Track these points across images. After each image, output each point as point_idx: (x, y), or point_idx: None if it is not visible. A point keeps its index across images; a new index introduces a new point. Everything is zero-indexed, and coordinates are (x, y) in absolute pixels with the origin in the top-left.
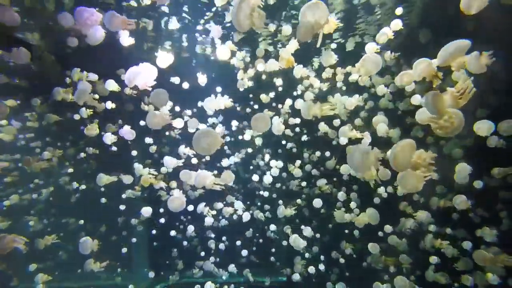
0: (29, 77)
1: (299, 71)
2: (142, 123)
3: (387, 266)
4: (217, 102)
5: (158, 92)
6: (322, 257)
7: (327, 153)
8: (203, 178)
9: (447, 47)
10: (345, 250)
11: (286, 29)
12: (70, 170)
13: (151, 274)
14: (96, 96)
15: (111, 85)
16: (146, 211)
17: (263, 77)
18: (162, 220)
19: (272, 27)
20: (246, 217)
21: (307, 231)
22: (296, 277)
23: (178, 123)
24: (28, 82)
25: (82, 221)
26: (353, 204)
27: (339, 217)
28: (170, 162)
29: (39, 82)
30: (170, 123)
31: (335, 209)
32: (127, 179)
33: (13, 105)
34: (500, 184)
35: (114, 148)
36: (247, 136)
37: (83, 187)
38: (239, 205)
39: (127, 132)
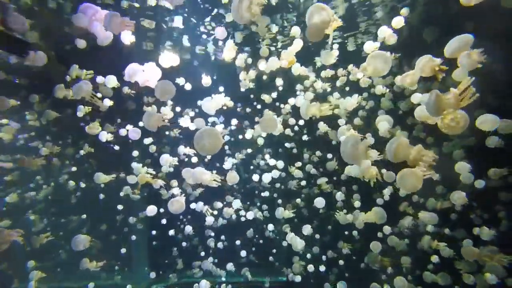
0: (29, 76)
1: (298, 70)
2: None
3: (384, 266)
4: (214, 102)
5: (163, 83)
6: (321, 257)
7: (326, 153)
8: (200, 175)
9: (452, 41)
10: (343, 250)
11: (295, 30)
12: (74, 168)
13: (152, 275)
14: (99, 95)
15: (111, 81)
16: (151, 210)
17: (265, 77)
18: (164, 221)
19: (275, 28)
20: (245, 216)
21: (306, 229)
22: (296, 277)
23: (185, 122)
24: (29, 81)
25: (82, 221)
26: (356, 204)
27: (342, 220)
28: (165, 160)
29: (39, 82)
30: (167, 124)
31: (337, 212)
32: (131, 178)
33: (13, 105)
34: (497, 185)
35: (116, 147)
36: (247, 136)
37: (83, 185)
38: (237, 203)
39: (132, 131)
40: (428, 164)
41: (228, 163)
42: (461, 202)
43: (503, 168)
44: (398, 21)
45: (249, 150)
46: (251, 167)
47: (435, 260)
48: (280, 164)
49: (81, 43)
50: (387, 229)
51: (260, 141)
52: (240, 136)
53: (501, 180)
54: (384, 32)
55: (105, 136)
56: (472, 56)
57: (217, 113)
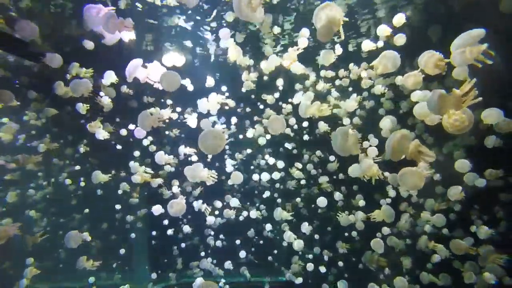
0: (29, 75)
1: (299, 69)
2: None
3: (381, 266)
4: (210, 102)
5: (169, 74)
6: (319, 257)
7: (326, 152)
8: (198, 171)
9: (462, 36)
10: (339, 249)
11: (302, 31)
12: (77, 167)
13: (154, 275)
14: (102, 94)
15: (110, 78)
16: (157, 209)
17: (267, 77)
18: (165, 222)
19: (276, 29)
20: (243, 216)
21: (304, 228)
22: (295, 277)
23: (191, 121)
24: (29, 80)
25: (81, 221)
26: (360, 203)
27: (344, 221)
28: (161, 159)
29: (39, 81)
30: (163, 125)
31: (339, 213)
32: (134, 179)
33: (14, 105)
34: (494, 185)
35: (119, 147)
36: (248, 135)
37: (83, 184)
38: (234, 202)
39: (137, 130)
40: (427, 160)
41: (229, 165)
42: (457, 197)
43: (501, 168)
44: (399, 19)
45: (249, 150)
46: (251, 166)
47: (436, 259)
48: (280, 164)
49: (89, 45)
50: (385, 229)
51: (261, 141)
52: (241, 136)
53: (498, 180)
54: (384, 31)
55: (102, 135)
56: (465, 53)
57: (217, 113)
